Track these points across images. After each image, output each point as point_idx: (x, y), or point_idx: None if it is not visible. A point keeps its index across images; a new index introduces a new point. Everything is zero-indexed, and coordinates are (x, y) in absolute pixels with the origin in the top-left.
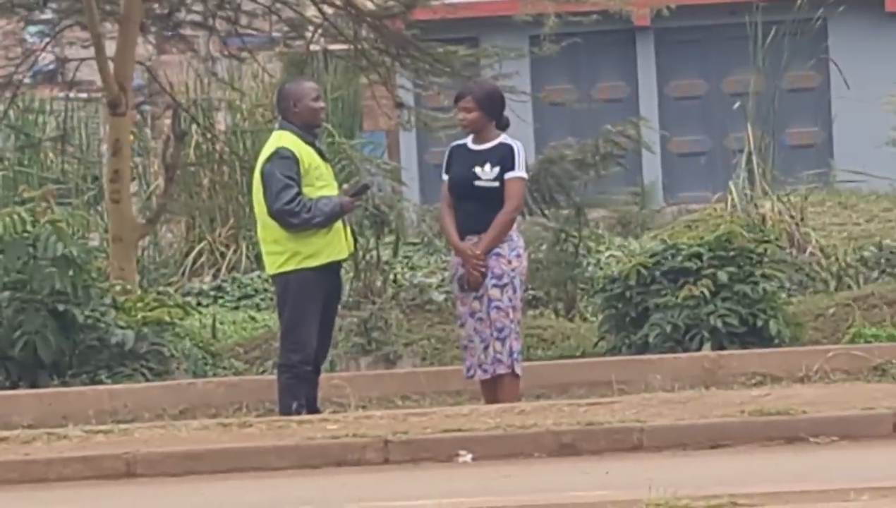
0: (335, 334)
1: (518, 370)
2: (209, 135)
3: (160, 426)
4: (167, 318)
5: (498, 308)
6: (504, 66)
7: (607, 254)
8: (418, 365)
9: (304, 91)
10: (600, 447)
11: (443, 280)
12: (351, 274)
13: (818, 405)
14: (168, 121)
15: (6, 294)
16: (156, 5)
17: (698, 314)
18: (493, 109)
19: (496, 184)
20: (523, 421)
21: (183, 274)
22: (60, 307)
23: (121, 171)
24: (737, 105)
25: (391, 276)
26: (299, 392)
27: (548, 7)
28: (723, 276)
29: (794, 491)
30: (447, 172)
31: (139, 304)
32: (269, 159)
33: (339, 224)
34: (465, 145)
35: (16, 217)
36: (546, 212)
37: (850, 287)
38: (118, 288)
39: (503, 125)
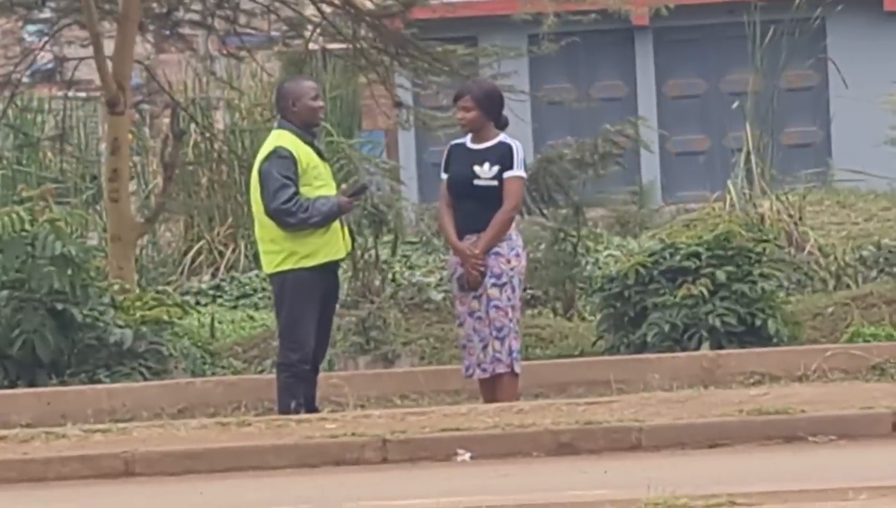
0: (333, 333)
1: (517, 369)
2: (208, 135)
3: (159, 425)
4: (166, 317)
5: (497, 307)
6: (503, 66)
7: (606, 253)
8: (417, 364)
9: (302, 90)
10: (599, 446)
11: (441, 279)
12: (349, 274)
13: (817, 404)
14: (167, 121)
15: (4, 293)
16: (154, 4)
17: (697, 313)
18: (491, 108)
19: (495, 183)
20: (522, 421)
21: (181, 273)
22: (59, 306)
23: (119, 170)
24: (735, 104)
25: (389, 275)
26: (298, 391)
27: (546, 6)
28: (721, 275)
29: (793, 490)
30: (446, 171)
31: (138, 303)
32: (266, 158)
33: (336, 224)
34: (463, 144)
35: (14, 216)
36: (545, 211)
37: (848, 286)
38: (117, 287)
39: (502, 124)
